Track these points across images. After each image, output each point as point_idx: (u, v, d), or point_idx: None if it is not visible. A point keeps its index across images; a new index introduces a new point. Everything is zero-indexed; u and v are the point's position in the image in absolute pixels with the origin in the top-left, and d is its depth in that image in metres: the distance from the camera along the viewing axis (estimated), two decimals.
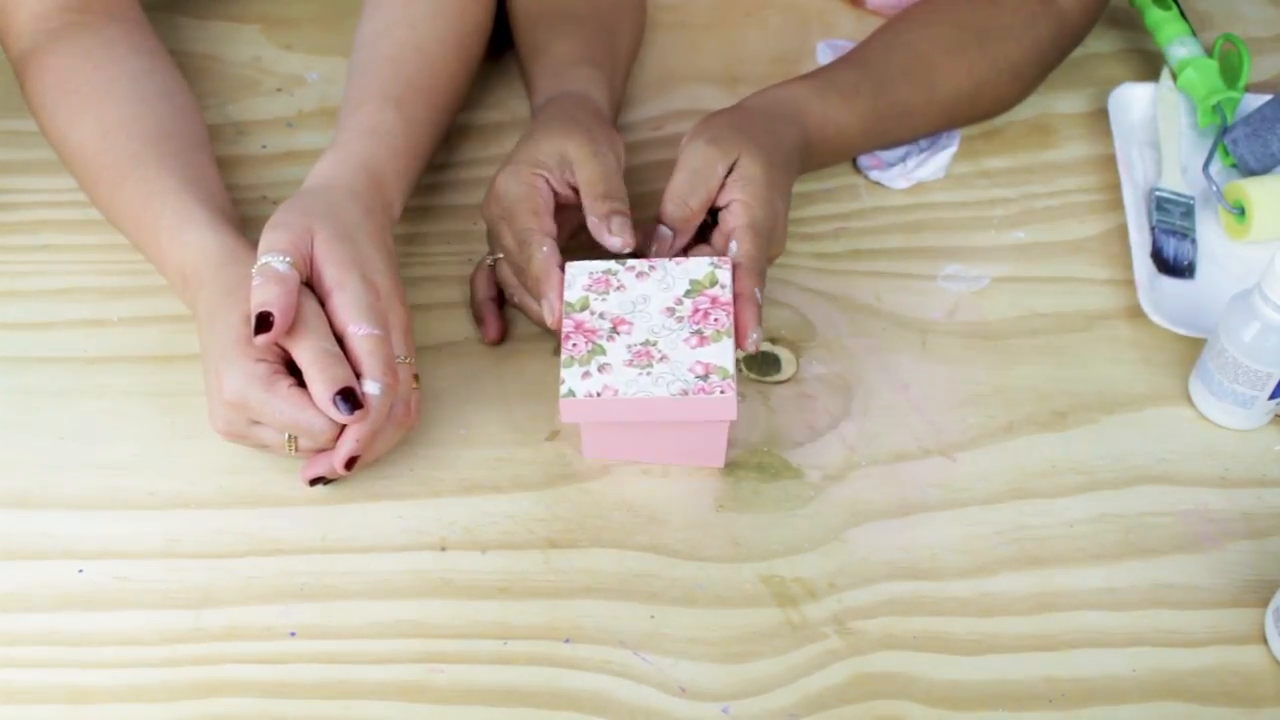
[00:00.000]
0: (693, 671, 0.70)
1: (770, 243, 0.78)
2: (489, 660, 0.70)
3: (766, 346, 0.83)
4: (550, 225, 0.77)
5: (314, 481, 0.74)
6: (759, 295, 0.76)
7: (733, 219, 0.77)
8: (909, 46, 0.89)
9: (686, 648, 0.71)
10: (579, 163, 0.78)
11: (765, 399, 0.81)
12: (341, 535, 0.74)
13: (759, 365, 0.82)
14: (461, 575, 0.73)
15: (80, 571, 0.73)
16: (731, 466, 0.78)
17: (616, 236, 0.76)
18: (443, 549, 0.74)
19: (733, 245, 0.77)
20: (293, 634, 0.71)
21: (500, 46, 0.98)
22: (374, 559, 0.74)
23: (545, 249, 0.76)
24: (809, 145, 0.84)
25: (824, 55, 1.01)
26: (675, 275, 0.76)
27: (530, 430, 0.79)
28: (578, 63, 0.87)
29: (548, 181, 0.78)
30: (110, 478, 0.76)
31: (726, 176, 0.78)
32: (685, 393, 0.71)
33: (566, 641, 0.71)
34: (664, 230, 0.78)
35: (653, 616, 0.72)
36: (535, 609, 0.72)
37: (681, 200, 0.77)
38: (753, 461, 0.78)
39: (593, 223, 0.77)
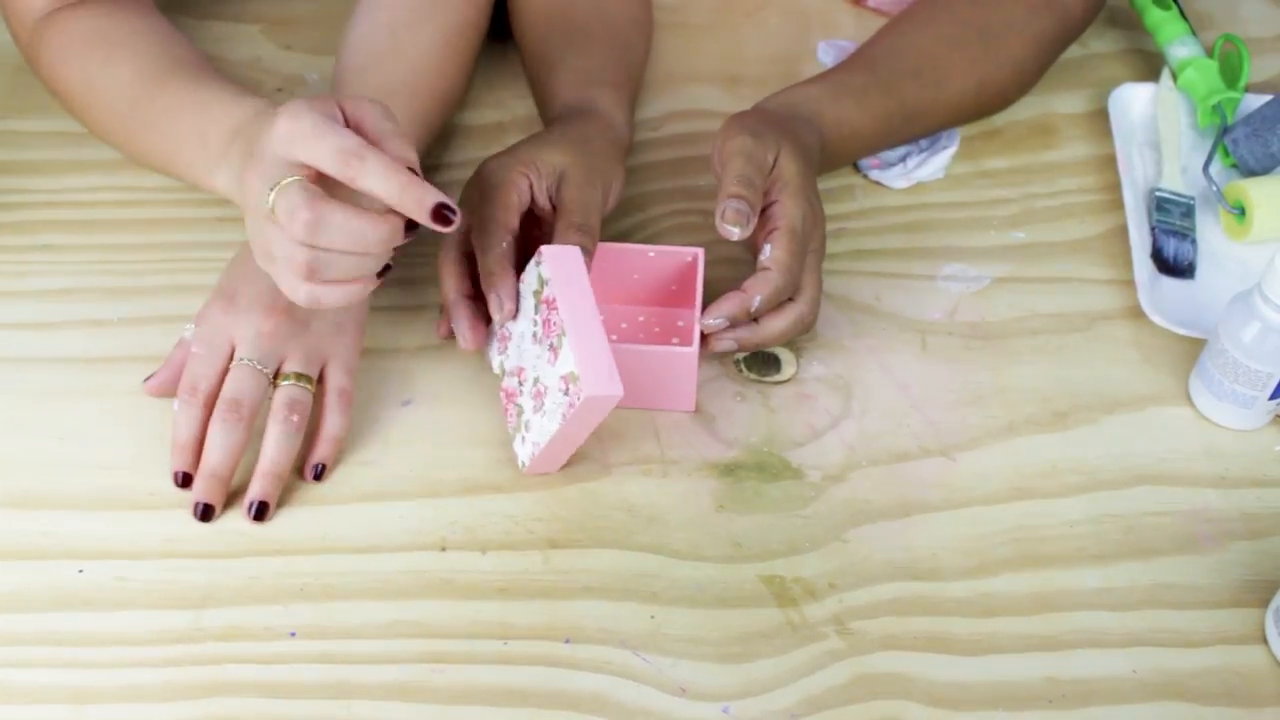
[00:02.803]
0: (693, 672, 0.70)
1: (810, 239, 0.77)
2: (489, 660, 0.70)
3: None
4: (515, 223, 0.77)
5: (317, 475, 0.75)
6: (756, 301, 0.75)
7: (771, 221, 0.76)
8: (915, 46, 0.89)
9: (687, 648, 0.71)
10: (567, 183, 0.78)
11: (765, 399, 0.81)
12: (341, 535, 0.74)
13: (759, 365, 0.82)
14: (462, 575, 0.73)
15: (80, 571, 0.73)
16: (732, 467, 0.78)
17: (509, 302, 0.75)
18: (443, 549, 0.74)
19: (766, 249, 0.76)
20: (293, 634, 0.71)
21: (500, 47, 0.98)
22: (374, 559, 0.74)
23: (505, 245, 0.76)
24: (825, 148, 0.83)
25: (824, 55, 1.01)
26: (525, 295, 0.75)
27: None
28: (601, 83, 0.87)
29: (530, 184, 0.78)
30: (110, 478, 0.76)
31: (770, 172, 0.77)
32: (564, 415, 0.71)
33: (567, 642, 0.71)
34: (737, 204, 0.74)
35: (653, 617, 0.72)
36: (535, 609, 0.72)
37: (748, 181, 0.75)
38: (753, 462, 0.78)
39: None
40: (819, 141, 0.82)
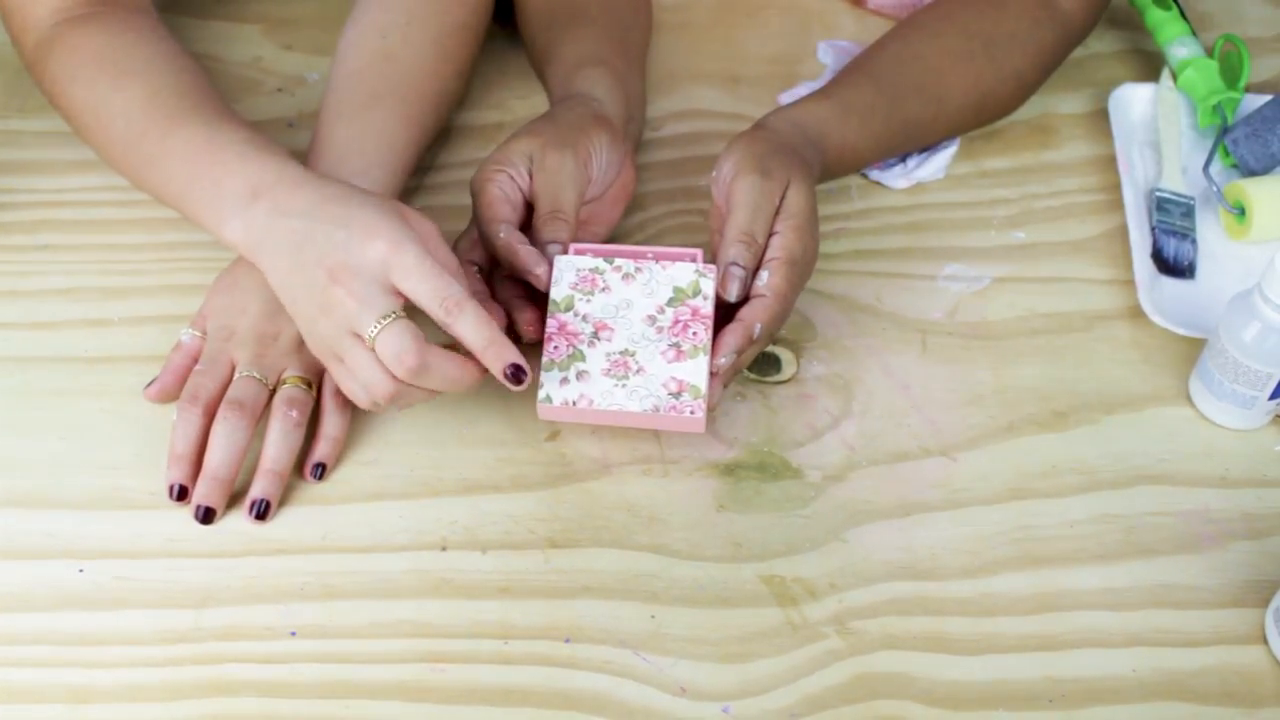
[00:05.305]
0: (693, 671, 0.70)
1: (805, 274, 0.77)
2: (489, 660, 0.70)
3: (768, 347, 0.83)
4: (504, 214, 0.77)
5: (318, 475, 0.76)
6: (757, 330, 0.74)
7: (772, 251, 0.76)
8: (920, 59, 0.88)
9: (687, 648, 0.71)
10: (536, 169, 0.78)
11: (765, 399, 0.81)
12: (342, 535, 0.75)
13: (759, 365, 0.82)
14: (462, 575, 0.73)
15: (81, 571, 0.73)
16: (732, 466, 0.78)
17: (538, 269, 0.76)
18: (443, 549, 0.74)
19: (763, 275, 0.75)
20: (293, 634, 0.71)
21: (500, 47, 0.98)
22: (374, 559, 0.74)
23: (503, 233, 0.76)
24: (825, 167, 0.83)
25: (824, 55, 1.01)
26: (660, 280, 0.76)
27: (530, 430, 0.79)
28: (583, 64, 0.87)
29: (511, 177, 0.78)
30: (110, 478, 0.76)
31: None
32: (657, 409, 0.72)
33: (567, 641, 0.71)
34: (737, 271, 0.75)
35: (653, 616, 0.72)
36: (536, 609, 0.72)
37: (751, 238, 0.75)
38: (753, 461, 0.78)
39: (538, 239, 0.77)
40: (821, 165, 0.82)
